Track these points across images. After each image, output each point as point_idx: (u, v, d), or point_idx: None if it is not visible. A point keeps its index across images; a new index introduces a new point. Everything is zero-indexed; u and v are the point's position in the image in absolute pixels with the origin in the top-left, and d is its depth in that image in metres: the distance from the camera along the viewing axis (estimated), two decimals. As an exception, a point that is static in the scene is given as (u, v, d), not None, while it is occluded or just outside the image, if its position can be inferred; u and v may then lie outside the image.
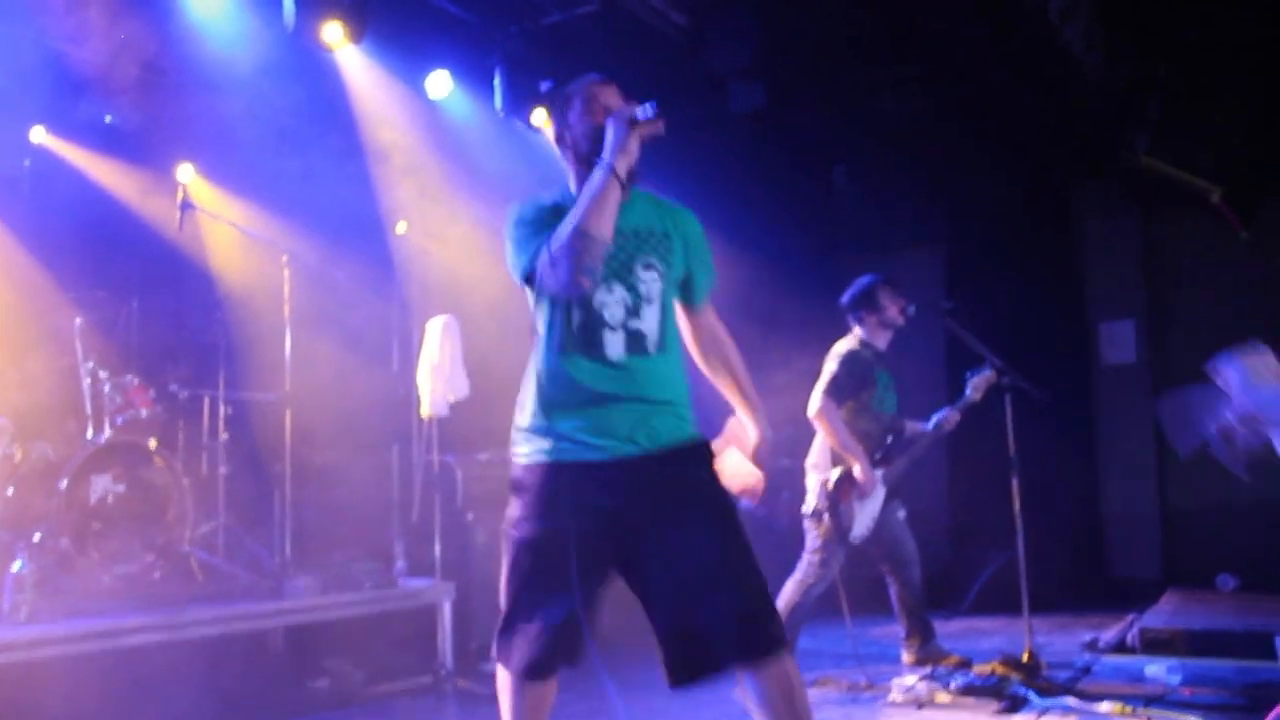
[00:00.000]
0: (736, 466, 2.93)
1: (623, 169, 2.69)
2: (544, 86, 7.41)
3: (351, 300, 6.79)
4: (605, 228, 2.64)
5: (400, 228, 7.70)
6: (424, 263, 7.47)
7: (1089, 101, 6.34)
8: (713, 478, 2.82)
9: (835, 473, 5.19)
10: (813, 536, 5.25)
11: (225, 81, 6.43)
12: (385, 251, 7.43)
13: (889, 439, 5.32)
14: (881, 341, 5.41)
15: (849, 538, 5.16)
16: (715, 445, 2.89)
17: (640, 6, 7.13)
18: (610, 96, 2.90)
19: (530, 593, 2.73)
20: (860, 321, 5.38)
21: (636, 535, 2.69)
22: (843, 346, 5.35)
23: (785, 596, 5.23)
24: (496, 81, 7.31)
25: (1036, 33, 5.29)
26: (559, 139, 2.95)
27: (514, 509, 2.80)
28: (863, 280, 5.44)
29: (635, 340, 2.79)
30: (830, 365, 5.27)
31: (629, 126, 2.71)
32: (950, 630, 7.47)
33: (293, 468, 5.95)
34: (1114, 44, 5.59)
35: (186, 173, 7.30)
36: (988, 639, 7.08)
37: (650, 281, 2.82)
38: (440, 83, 7.36)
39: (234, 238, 6.85)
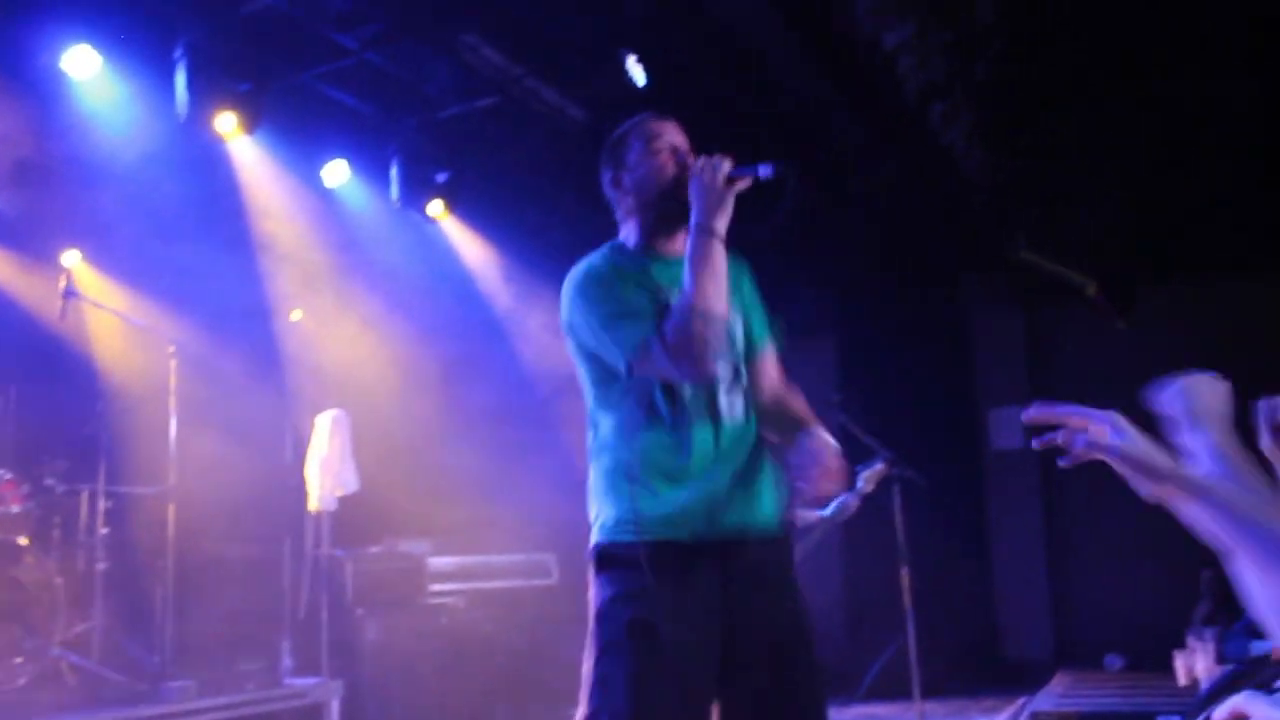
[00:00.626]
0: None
1: (723, 230, 2.47)
2: (440, 178, 7.45)
3: (240, 390, 6.67)
4: (722, 302, 2.42)
5: (294, 315, 7.62)
6: (316, 353, 7.38)
7: (972, 199, 6.56)
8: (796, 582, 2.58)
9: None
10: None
11: (114, 169, 6.33)
12: (275, 341, 7.33)
13: (780, 531, 5.35)
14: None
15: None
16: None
17: (537, 101, 7.24)
18: (674, 134, 2.68)
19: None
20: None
21: (735, 636, 2.42)
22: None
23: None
24: (393, 173, 7.33)
25: (921, 133, 5.46)
26: (614, 184, 2.69)
27: (635, 597, 2.38)
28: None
29: (747, 399, 2.59)
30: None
31: (726, 182, 2.50)
32: (846, 718, 7.50)
33: (176, 563, 5.76)
34: (993, 146, 5.82)
35: (71, 259, 7.14)
36: (884, 726, 7.13)
37: (737, 333, 2.62)
38: (337, 172, 7.35)
39: (118, 327, 6.69)
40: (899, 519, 5.37)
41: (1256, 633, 5.73)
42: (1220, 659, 6.34)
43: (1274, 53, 6.03)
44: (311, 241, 7.37)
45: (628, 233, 2.69)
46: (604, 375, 2.55)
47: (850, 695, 8.09)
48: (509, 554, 8.03)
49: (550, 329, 7.90)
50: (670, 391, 2.48)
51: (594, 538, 2.53)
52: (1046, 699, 6.60)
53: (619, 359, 2.44)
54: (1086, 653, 8.33)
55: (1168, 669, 6.66)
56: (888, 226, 7.99)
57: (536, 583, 8.10)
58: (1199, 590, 7.50)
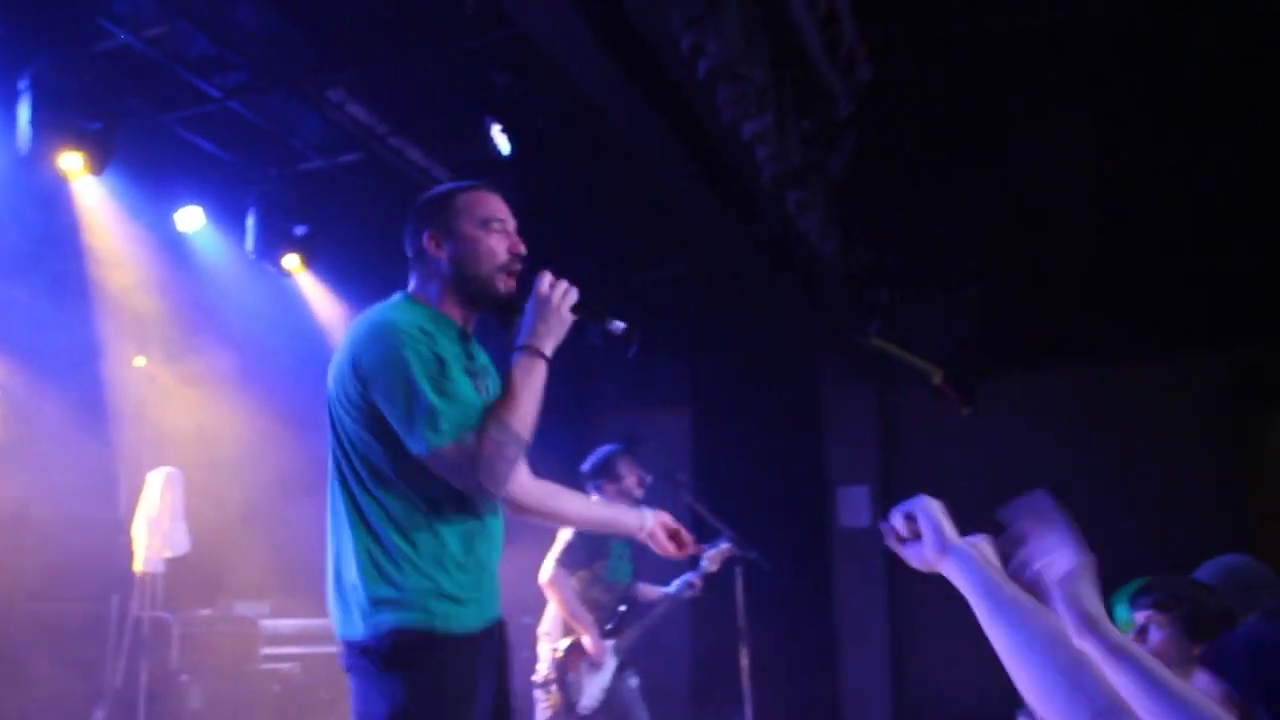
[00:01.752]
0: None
1: (551, 355, 2.49)
2: (298, 231, 7.30)
3: (69, 440, 6.35)
4: (532, 426, 2.42)
5: (137, 361, 7.34)
6: (155, 406, 7.10)
7: (826, 283, 6.71)
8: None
9: (564, 642, 5.14)
10: (541, 707, 5.16)
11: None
12: (104, 391, 7.00)
13: (622, 609, 5.31)
14: (618, 511, 5.44)
15: (576, 709, 5.08)
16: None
17: (401, 161, 7.17)
18: (509, 216, 2.64)
19: None
20: (599, 490, 5.39)
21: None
22: (576, 516, 5.34)
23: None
24: (250, 222, 7.15)
25: (778, 218, 5.57)
26: (433, 242, 2.58)
27: (428, 686, 2.31)
28: (603, 449, 5.48)
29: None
30: (564, 534, 5.25)
31: (572, 310, 2.53)
32: (687, 795, 7.44)
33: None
34: (848, 235, 5.97)
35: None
36: (723, 807, 7.07)
37: None
38: (191, 218, 7.13)
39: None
40: (740, 601, 5.38)
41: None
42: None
43: (1113, 166, 6.37)
44: (158, 288, 7.11)
45: (426, 292, 2.59)
46: (390, 445, 2.39)
47: (691, 773, 8.06)
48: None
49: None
50: (437, 482, 2.40)
51: (364, 628, 2.36)
52: (882, 782, 6.67)
53: (423, 446, 2.31)
54: (925, 730, 8.46)
55: (1000, 751, 6.81)
56: (746, 303, 8.12)
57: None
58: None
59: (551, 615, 5.29)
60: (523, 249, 2.63)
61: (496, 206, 2.63)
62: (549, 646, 5.21)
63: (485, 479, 2.31)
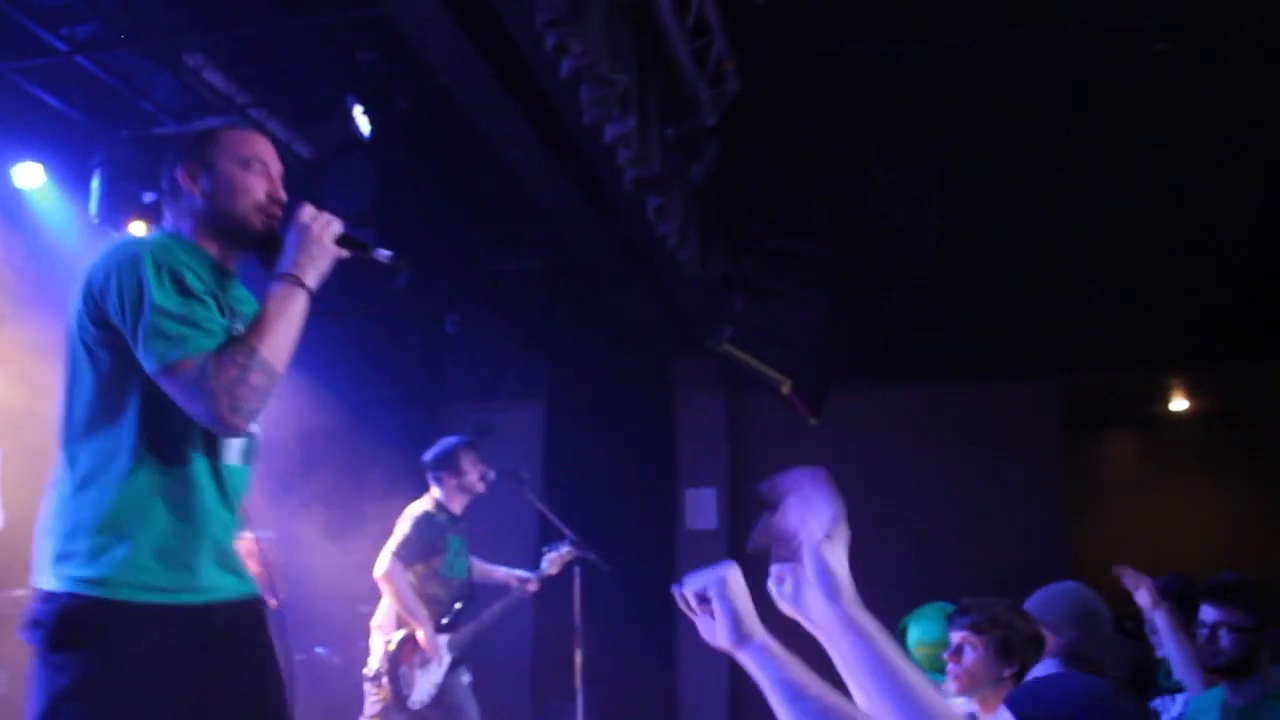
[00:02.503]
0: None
1: (314, 287, 2.33)
2: (147, 198, 7.01)
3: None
4: (287, 360, 2.25)
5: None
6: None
7: (683, 288, 6.76)
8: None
9: (397, 635, 5.07)
10: (371, 700, 5.10)
11: None
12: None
13: (457, 605, 5.27)
14: (458, 505, 5.39)
15: (407, 703, 5.02)
16: None
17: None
18: (274, 160, 2.48)
19: None
20: (440, 483, 5.34)
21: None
22: (416, 508, 5.29)
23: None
24: (94, 185, 6.83)
25: (636, 222, 5.59)
26: (188, 175, 2.41)
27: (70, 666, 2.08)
28: (448, 441, 5.43)
29: (251, 444, 2.39)
30: (402, 526, 5.19)
31: (335, 242, 2.38)
32: (518, 791, 7.43)
33: None
34: (705, 243, 6.02)
35: None
36: (552, 802, 7.09)
37: None
38: (30, 174, 6.78)
39: None
40: (577, 602, 5.40)
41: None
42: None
43: (962, 193, 6.59)
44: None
45: (179, 227, 2.43)
46: (114, 376, 2.22)
47: (525, 767, 8.06)
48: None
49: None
50: (156, 412, 2.19)
51: (48, 587, 2.17)
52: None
53: (153, 359, 2.12)
54: (758, 732, 8.60)
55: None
56: (605, 302, 8.13)
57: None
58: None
59: (385, 608, 5.22)
60: (282, 194, 2.48)
61: (261, 147, 2.48)
62: (381, 639, 5.14)
63: (224, 406, 2.10)
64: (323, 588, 7.50)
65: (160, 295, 2.14)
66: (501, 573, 5.58)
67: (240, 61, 6.40)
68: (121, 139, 6.94)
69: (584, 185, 5.50)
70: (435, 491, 5.37)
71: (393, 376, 8.69)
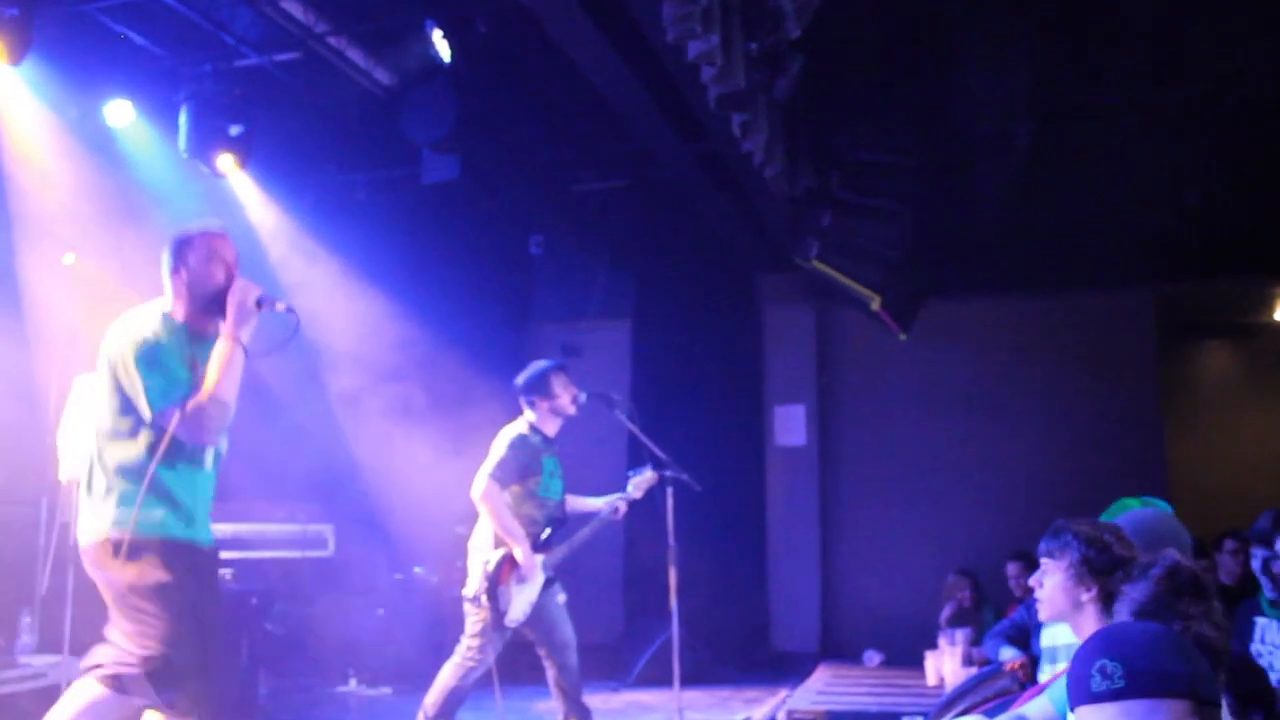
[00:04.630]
0: None
1: (246, 338, 3.38)
2: (235, 130, 7.10)
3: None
4: (234, 392, 3.35)
5: (67, 259, 7.13)
6: (85, 304, 6.92)
7: (768, 204, 6.68)
8: None
9: (496, 555, 5.16)
10: (472, 621, 5.19)
11: None
12: (18, 291, 6.80)
13: (551, 526, 5.34)
14: (551, 428, 5.43)
15: (505, 621, 5.12)
16: None
17: (342, 61, 6.98)
18: (229, 251, 3.51)
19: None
20: (532, 406, 5.38)
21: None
22: (511, 430, 5.33)
23: (442, 680, 5.14)
24: (182, 120, 6.94)
25: (721, 138, 5.51)
26: (174, 272, 3.48)
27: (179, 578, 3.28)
28: (538, 366, 5.45)
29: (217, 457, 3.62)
30: (498, 448, 5.24)
31: (258, 308, 3.40)
32: (615, 705, 7.59)
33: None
34: (791, 159, 5.92)
35: None
36: (648, 714, 7.24)
37: None
38: (121, 111, 6.91)
39: None
40: (670, 522, 5.44)
41: (1012, 638, 6.07)
42: (968, 660, 6.71)
43: (1050, 99, 6.36)
44: (85, 184, 6.88)
45: (176, 308, 3.49)
46: (127, 410, 3.35)
47: (623, 681, 8.23)
48: (284, 524, 7.82)
49: (338, 294, 7.69)
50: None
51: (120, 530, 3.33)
52: (803, 696, 6.85)
53: (147, 412, 3.28)
54: (850, 646, 8.67)
55: (922, 666, 7.01)
56: (689, 220, 8.07)
57: (311, 554, 7.93)
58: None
59: (482, 529, 5.29)
60: (235, 275, 3.47)
61: (218, 246, 3.50)
62: (480, 560, 5.23)
63: (198, 432, 3.30)
64: (420, 509, 7.68)
65: (146, 375, 3.30)
66: (588, 503, 5.62)
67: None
68: (206, 73, 7.02)
69: (668, 103, 5.43)
70: (529, 414, 5.42)
71: (481, 299, 8.78)
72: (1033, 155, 6.43)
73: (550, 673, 5.52)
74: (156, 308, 3.52)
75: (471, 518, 5.46)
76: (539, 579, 5.26)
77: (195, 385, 3.33)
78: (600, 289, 9.44)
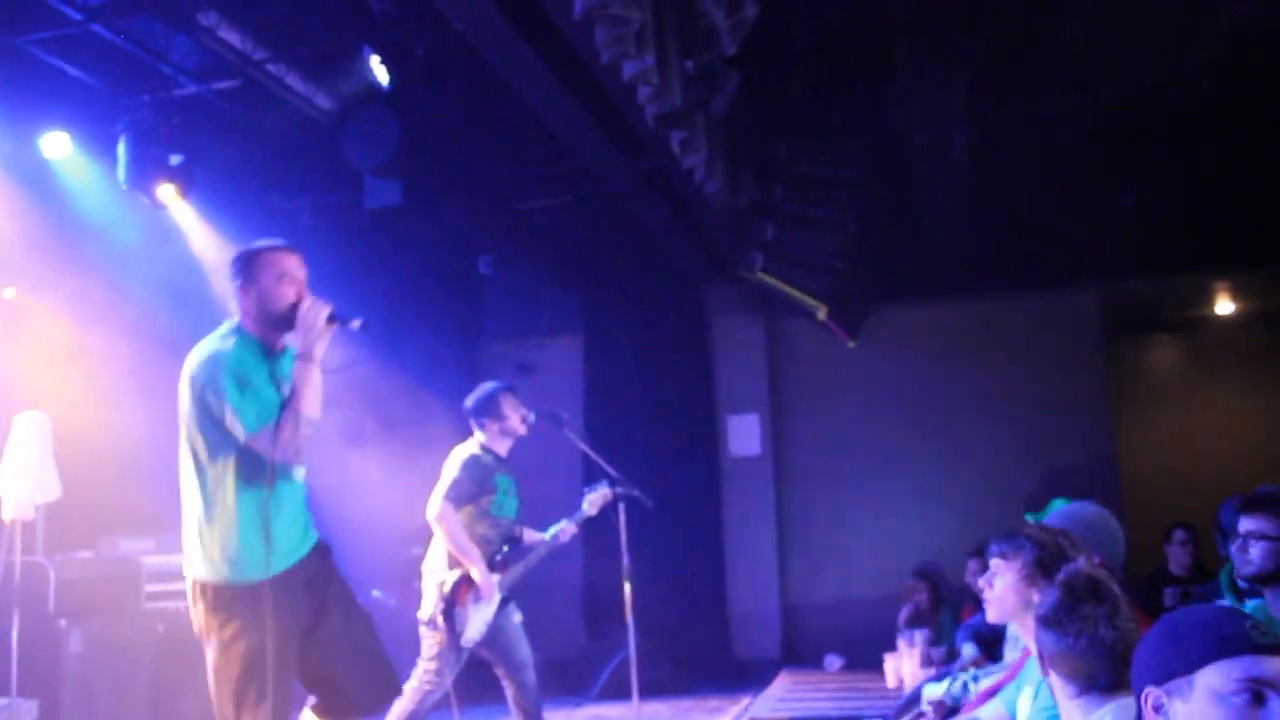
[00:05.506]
0: None
1: (320, 356, 3.38)
2: (175, 160, 7.03)
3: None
4: (319, 409, 3.36)
5: (8, 293, 7.06)
6: (23, 338, 6.85)
7: (712, 218, 6.73)
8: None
9: (451, 576, 5.16)
10: (428, 644, 5.19)
11: None
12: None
13: (507, 545, 5.35)
14: (503, 448, 5.44)
15: (461, 642, 5.13)
16: None
17: (282, 88, 6.95)
18: (298, 269, 3.50)
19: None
20: (483, 427, 5.39)
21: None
22: (464, 451, 5.34)
23: (401, 704, 5.13)
24: (121, 150, 6.87)
25: (662, 155, 5.56)
26: (243, 290, 3.48)
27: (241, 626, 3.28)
28: (487, 387, 5.47)
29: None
30: (450, 469, 5.25)
31: (326, 322, 3.38)
32: (578, 718, 7.60)
33: None
34: (733, 173, 5.97)
35: None
36: (610, 729, 7.26)
37: None
38: (58, 144, 6.83)
39: None
40: (623, 538, 5.47)
41: (980, 634, 6.14)
42: (927, 661, 6.78)
43: (990, 104, 6.47)
44: (23, 216, 6.80)
45: (247, 324, 3.49)
46: (218, 439, 3.32)
47: (585, 696, 8.23)
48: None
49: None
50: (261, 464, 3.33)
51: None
52: (765, 704, 6.89)
53: (239, 436, 3.27)
54: (811, 652, 8.72)
55: (882, 669, 7.07)
56: (636, 235, 8.11)
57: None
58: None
59: (437, 550, 5.30)
60: (304, 293, 3.48)
61: (287, 263, 3.50)
62: (434, 582, 5.23)
63: (289, 452, 3.30)
64: (376, 531, 7.65)
65: (234, 398, 3.27)
66: (536, 537, 5.63)
67: (255, 17, 6.38)
68: (143, 103, 6.96)
69: (607, 123, 5.46)
70: (479, 435, 5.43)
71: (432, 320, 8.75)
72: (972, 162, 6.52)
73: (510, 692, 5.53)
74: (227, 328, 3.51)
75: (427, 538, 5.46)
76: (495, 599, 5.26)
77: (279, 405, 3.33)
78: (550, 306, 9.46)
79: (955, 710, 3.86)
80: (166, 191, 6.98)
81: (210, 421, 3.32)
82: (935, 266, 8.52)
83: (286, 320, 3.44)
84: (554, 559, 5.63)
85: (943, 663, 6.55)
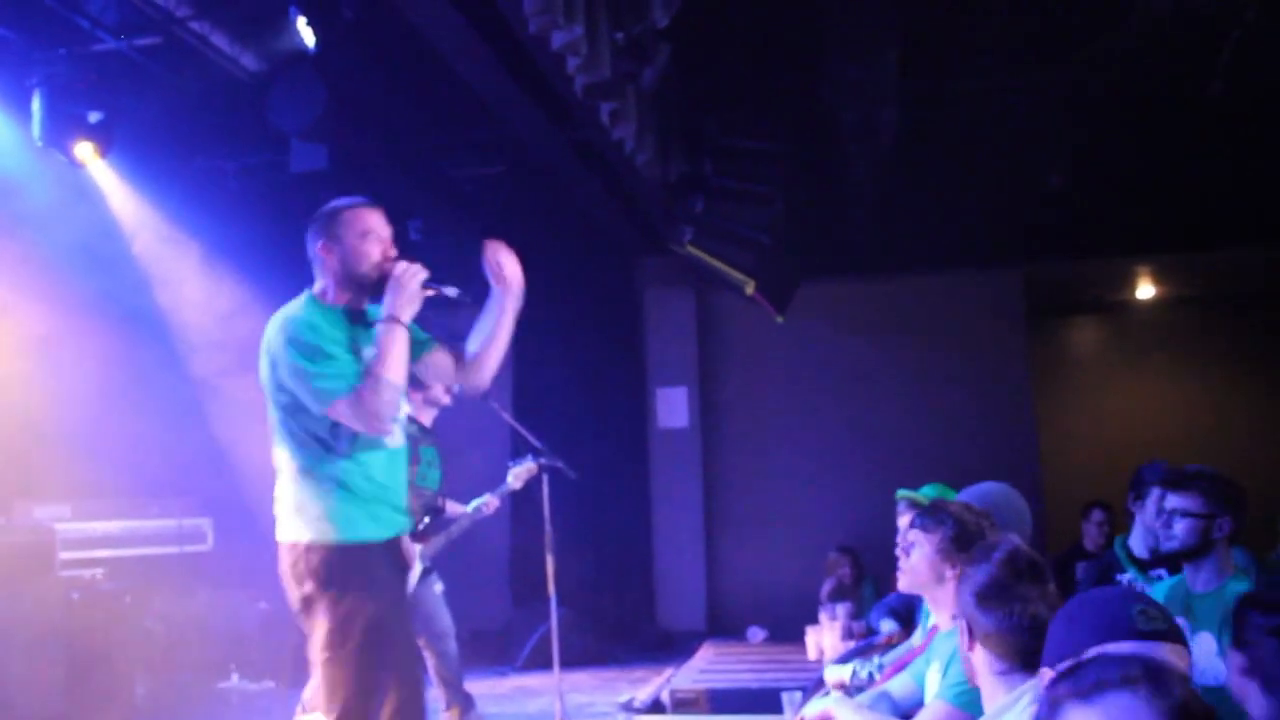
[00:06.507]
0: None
1: (409, 320, 3.25)
2: (94, 117, 6.84)
3: None
4: (403, 375, 3.22)
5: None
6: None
7: (643, 190, 6.71)
8: None
9: (372, 549, 5.12)
10: (349, 615, 5.16)
11: None
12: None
13: (429, 516, 5.32)
14: (426, 418, 5.41)
15: (383, 615, 5.10)
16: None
17: (206, 47, 6.79)
18: (383, 226, 3.36)
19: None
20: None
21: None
22: (386, 420, 5.30)
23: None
24: (35, 106, 6.68)
25: (592, 126, 5.52)
26: (325, 250, 3.30)
27: (347, 590, 3.11)
28: (411, 356, 5.42)
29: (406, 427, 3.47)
30: (373, 439, 5.20)
31: (420, 287, 3.26)
32: (502, 690, 7.61)
33: None
34: (663, 146, 5.95)
35: None
36: (534, 698, 7.27)
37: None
38: (-31, 100, 6.63)
39: None
40: (546, 509, 5.47)
41: (896, 611, 6.23)
42: (848, 634, 6.88)
43: (920, 84, 6.51)
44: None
45: (324, 286, 3.34)
46: (295, 407, 3.18)
47: (510, 666, 8.26)
48: (159, 519, 7.65)
49: (203, 281, 7.51)
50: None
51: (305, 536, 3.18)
52: (686, 675, 6.93)
53: (317, 406, 3.13)
54: (735, 624, 8.80)
55: (803, 642, 7.15)
56: (567, 205, 8.07)
57: (190, 549, 7.77)
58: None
59: (359, 522, 5.25)
60: (393, 253, 3.34)
61: (372, 221, 3.34)
62: (355, 553, 5.19)
63: (371, 419, 3.13)
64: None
65: (310, 366, 3.13)
66: (462, 508, 5.61)
67: (178, -28, 6.23)
68: (60, 57, 6.76)
69: (536, 92, 5.41)
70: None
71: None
72: (901, 140, 6.56)
73: (430, 662, 5.52)
74: (304, 295, 3.35)
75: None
76: (416, 569, 5.24)
77: (360, 371, 3.16)
78: (481, 274, 9.36)
79: (862, 689, 3.92)
80: (84, 149, 6.80)
81: (289, 390, 3.20)
82: (863, 243, 8.59)
83: (371, 280, 3.30)
84: (482, 530, 5.62)
85: (862, 636, 6.65)
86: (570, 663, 6.99)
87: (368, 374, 3.13)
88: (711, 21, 5.79)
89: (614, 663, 8.33)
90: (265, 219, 7.84)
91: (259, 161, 7.88)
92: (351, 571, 3.15)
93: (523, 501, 5.89)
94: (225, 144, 7.83)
